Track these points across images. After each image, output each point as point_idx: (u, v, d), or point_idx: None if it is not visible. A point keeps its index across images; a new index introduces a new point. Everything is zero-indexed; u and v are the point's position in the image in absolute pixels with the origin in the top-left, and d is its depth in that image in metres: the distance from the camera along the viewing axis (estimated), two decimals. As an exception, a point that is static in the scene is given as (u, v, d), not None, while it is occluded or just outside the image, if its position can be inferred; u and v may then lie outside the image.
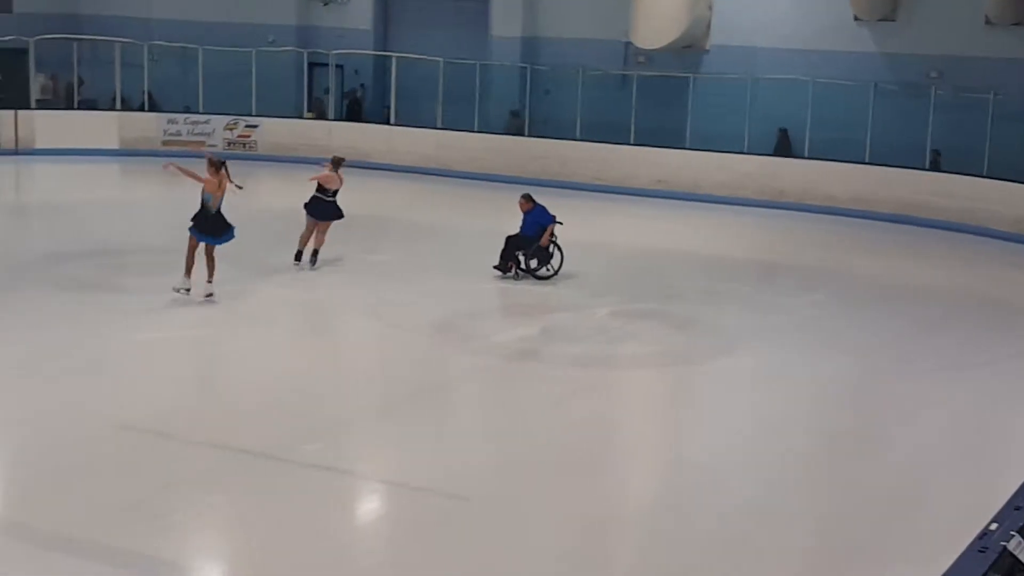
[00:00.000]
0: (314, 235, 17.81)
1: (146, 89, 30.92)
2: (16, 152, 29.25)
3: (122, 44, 30.30)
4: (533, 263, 17.76)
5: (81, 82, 31.20)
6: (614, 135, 28.08)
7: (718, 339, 15.64)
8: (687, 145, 27.57)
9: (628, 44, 28.99)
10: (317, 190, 17.82)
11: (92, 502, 9.47)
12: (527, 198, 17.94)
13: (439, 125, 29.78)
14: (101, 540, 8.79)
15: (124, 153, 29.88)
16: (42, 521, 9.08)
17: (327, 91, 31.63)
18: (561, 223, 17.85)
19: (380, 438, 11.69)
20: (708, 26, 28.56)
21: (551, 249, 17.82)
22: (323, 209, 17.76)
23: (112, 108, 30.82)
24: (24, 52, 30.12)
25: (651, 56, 28.88)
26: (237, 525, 9.47)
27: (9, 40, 29.73)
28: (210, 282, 15.32)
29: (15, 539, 8.91)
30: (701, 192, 27.08)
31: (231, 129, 30.58)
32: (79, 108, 30.96)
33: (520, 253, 17.72)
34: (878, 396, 13.53)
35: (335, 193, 17.82)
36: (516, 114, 30.09)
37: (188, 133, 30.52)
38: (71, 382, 12.53)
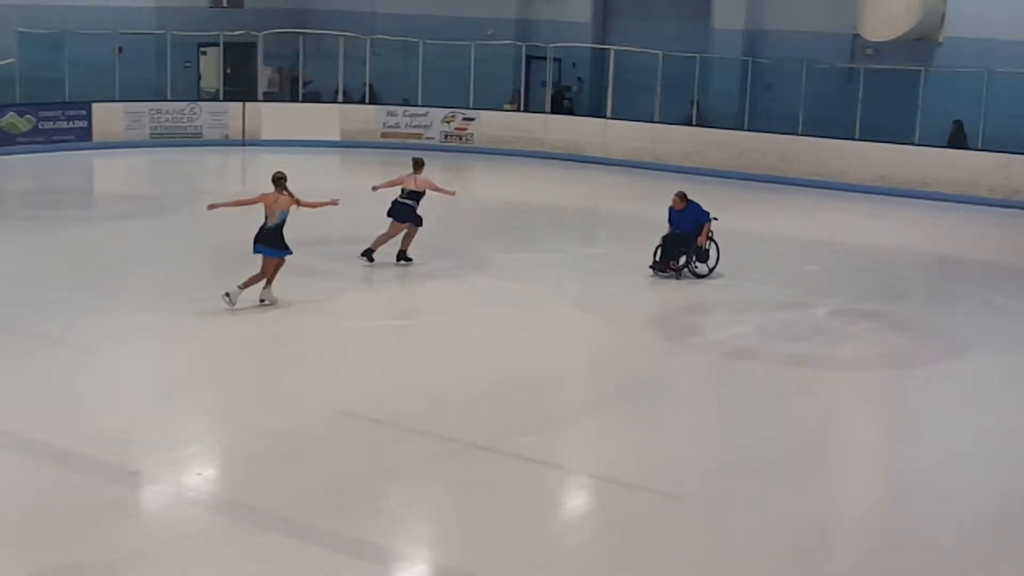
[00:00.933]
0: (401, 238, 17.34)
1: (367, 82, 31.67)
2: (243, 143, 30.35)
3: (346, 38, 31.10)
4: (695, 262, 17.36)
5: (307, 82, 32.16)
6: (837, 130, 27.40)
7: (943, 342, 15.09)
8: (916, 140, 26.69)
9: (855, 36, 28.24)
10: (400, 194, 17.43)
11: (309, 486, 9.72)
12: (681, 196, 17.38)
13: (656, 119, 29.59)
14: (316, 523, 9.00)
15: (345, 145, 30.67)
16: (261, 502, 9.36)
17: (543, 84, 31.79)
18: (716, 219, 17.42)
19: (592, 433, 11.65)
20: (942, 18, 27.56)
21: (708, 246, 17.42)
22: (400, 211, 17.27)
23: (334, 101, 31.68)
24: (253, 46, 31.26)
25: (879, 49, 28.05)
26: (448, 514, 9.58)
27: (239, 34, 30.90)
28: (268, 288, 14.91)
29: (235, 519, 9.20)
30: (927, 189, 26.17)
31: (448, 122, 31.03)
32: (303, 101, 31.93)
33: (682, 252, 17.27)
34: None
35: (415, 196, 17.35)
36: (694, 104, 29.80)
37: (407, 126, 31.11)
38: (291, 367, 12.91)
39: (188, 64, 31.84)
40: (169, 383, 12.39)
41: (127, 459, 10.06)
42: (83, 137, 28.71)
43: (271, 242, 14.78)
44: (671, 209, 17.38)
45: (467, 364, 13.34)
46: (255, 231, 14.87)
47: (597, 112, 31.01)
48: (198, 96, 31.47)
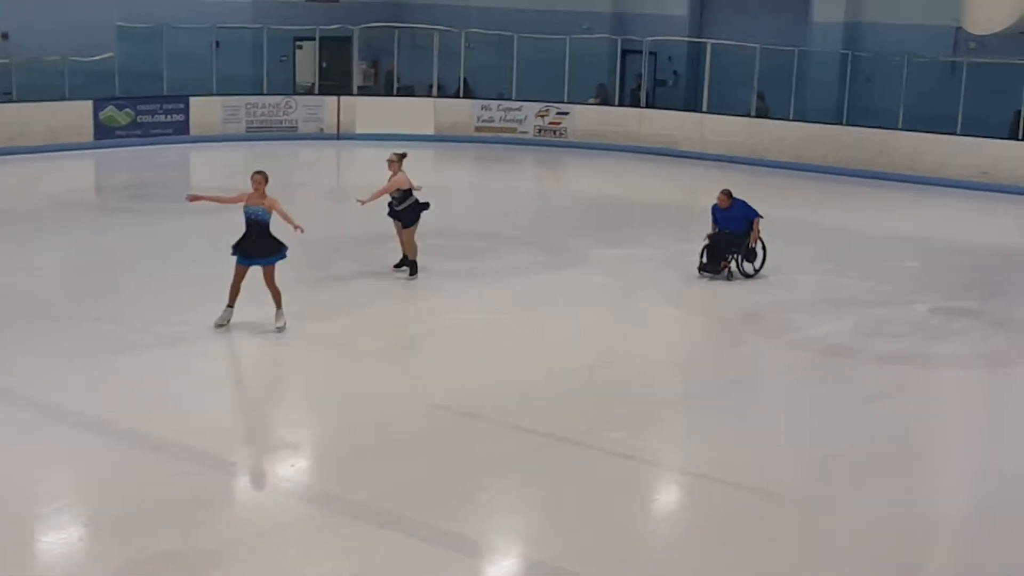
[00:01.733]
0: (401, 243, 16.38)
1: (462, 76, 31.81)
2: (338, 137, 30.68)
3: (440, 32, 31.27)
4: (745, 263, 16.90)
5: (399, 78, 32.41)
6: (938, 125, 26.97)
7: (1047, 342, 14.84)
8: (1019, 136, 26.18)
9: (958, 30, 27.78)
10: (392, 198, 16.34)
11: (403, 478, 9.83)
12: (727, 194, 16.86)
13: (753, 113, 29.37)
14: (409, 515, 9.10)
15: (439, 139, 30.86)
16: (354, 494, 9.48)
17: (639, 78, 31.69)
18: (762, 217, 16.97)
19: (685, 429, 11.64)
20: (1048, 11, 27.02)
21: (755, 245, 16.93)
22: (394, 214, 16.42)
23: (429, 95, 31.87)
24: (348, 40, 31.56)
25: (983, 42, 27.56)
26: (539, 508, 9.63)
27: (335, 28, 31.22)
28: (279, 310, 13.63)
29: (328, 511, 9.33)
30: (1034, 186, 25.71)
31: (542, 116, 31.07)
32: (398, 95, 32.18)
33: (731, 252, 16.79)
34: None
35: (402, 195, 16.29)
36: (761, 97, 29.46)
37: (500, 120, 31.20)
38: (384, 361, 13.05)
39: (284, 58, 32.23)
40: (264, 376, 12.60)
41: (223, 450, 10.26)
42: (181, 130, 29.22)
43: (249, 249, 13.53)
44: (716, 208, 16.94)
45: (560, 359, 13.38)
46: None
47: (693, 106, 30.86)
48: (293, 90, 31.85)
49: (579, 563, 8.45)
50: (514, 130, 31.05)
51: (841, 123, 28.44)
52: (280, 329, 13.36)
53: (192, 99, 29.35)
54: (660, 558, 8.81)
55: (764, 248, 17.04)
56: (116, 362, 12.50)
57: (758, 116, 29.36)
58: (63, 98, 27.46)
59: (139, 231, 19.65)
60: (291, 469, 10.11)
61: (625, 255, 18.66)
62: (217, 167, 28.12)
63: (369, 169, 28.84)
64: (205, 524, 8.87)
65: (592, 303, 15.92)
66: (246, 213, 13.49)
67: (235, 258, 13.48)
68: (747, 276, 16.85)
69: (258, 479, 9.81)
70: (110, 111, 28.05)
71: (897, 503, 9.85)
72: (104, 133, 27.90)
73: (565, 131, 30.94)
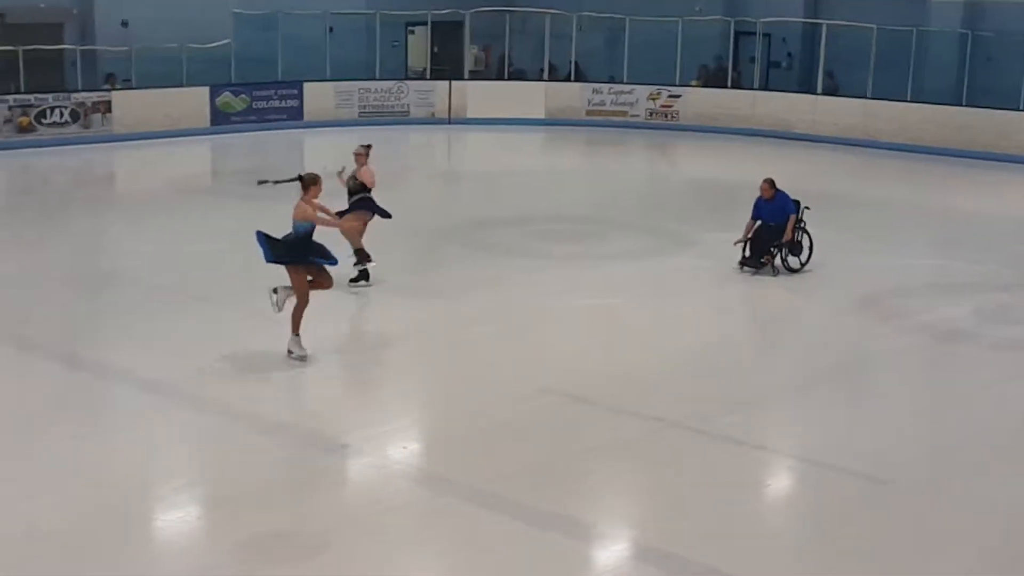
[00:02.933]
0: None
1: (573, 59, 31.74)
2: (449, 121, 30.81)
3: (552, 15, 31.22)
4: (790, 256, 16.00)
5: (510, 62, 32.44)
6: (1062, 104, 26.29)
7: None
8: None
9: (1083, 6, 27.05)
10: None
11: (513, 462, 9.85)
12: (770, 183, 15.90)
13: (868, 94, 28.86)
14: (519, 498, 9.12)
15: (549, 123, 30.83)
16: (466, 477, 9.53)
17: (752, 60, 31.34)
18: (808, 208, 16.18)
19: (797, 415, 11.49)
20: None
21: (800, 237, 16.02)
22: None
23: (540, 79, 31.86)
24: (460, 25, 31.67)
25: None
26: (648, 493, 9.59)
27: (446, 13, 31.33)
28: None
29: (439, 493, 9.38)
30: None
31: (654, 99, 30.88)
32: (509, 79, 32.20)
33: (775, 246, 15.82)
34: None
35: (358, 187, 15.35)
36: (830, 75, 28.85)
37: (611, 103, 31.08)
38: (494, 345, 13.07)
39: (396, 43, 32.46)
40: (373, 360, 12.70)
41: (336, 432, 10.37)
42: (295, 116, 29.61)
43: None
44: (759, 199, 16.03)
45: (671, 343, 13.30)
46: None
47: (807, 88, 30.42)
48: (405, 75, 32.07)
49: (689, 549, 8.40)
50: (625, 113, 30.91)
51: (960, 104, 27.82)
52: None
53: (306, 85, 29.72)
54: (771, 545, 8.71)
55: (811, 241, 16.15)
56: (232, 345, 12.69)
57: (825, 94, 28.91)
58: (181, 85, 27.98)
59: (254, 215, 19.89)
60: (403, 452, 10.19)
61: (735, 239, 18.45)
62: (330, 152, 28.41)
63: (479, 153, 29.07)
64: (318, 505, 8.98)
65: (703, 287, 15.78)
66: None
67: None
68: (792, 271, 15.98)
69: (370, 461, 9.90)
70: (226, 97, 28.52)
71: (1013, 492, 9.63)
72: (220, 119, 28.38)
73: (677, 114, 30.71)
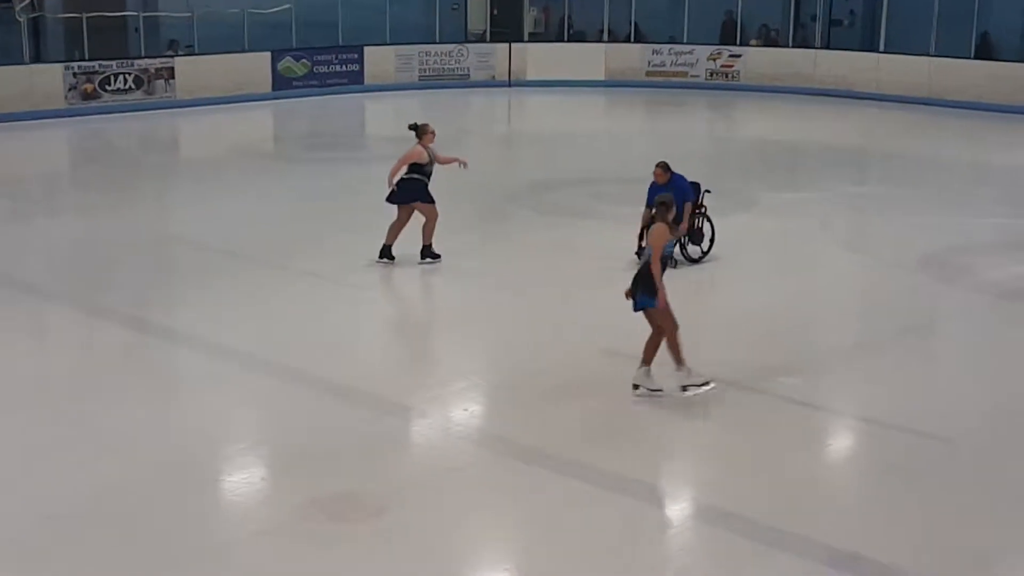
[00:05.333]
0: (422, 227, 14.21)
1: (632, 20, 31.49)
2: (509, 84, 30.72)
3: (610, -24, 31.00)
4: (690, 245, 14.36)
5: (570, 24, 32.24)
6: None
7: None
8: None
9: None
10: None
11: (574, 423, 9.83)
12: (664, 167, 13.89)
13: (932, 52, 28.40)
14: (580, 459, 9.11)
15: (609, 84, 30.65)
16: (526, 438, 9.52)
17: (814, 18, 30.94)
18: (709, 191, 14.64)
19: (860, 375, 11.37)
20: None
21: (700, 224, 14.40)
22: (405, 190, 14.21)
23: (599, 40, 31.64)
24: (519, -14, 31.52)
25: None
26: (710, 453, 9.53)
27: (505, -25, 31.20)
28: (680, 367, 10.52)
29: (500, 454, 9.39)
30: None
31: (714, 59, 30.60)
32: (568, 41, 32.02)
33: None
34: None
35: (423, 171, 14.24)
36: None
37: (671, 64, 30.84)
38: (554, 305, 13.01)
39: (455, 7, 32.36)
40: (435, 322, 12.73)
41: (397, 394, 10.41)
42: (355, 80, 29.64)
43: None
44: (652, 185, 13.97)
45: (731, 304, 13.21)
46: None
47: (870, 46, 30.00)
48: (465, 38, 31.98)
49: (750, 509, 8.36)
50: (685, 74, 30.67)
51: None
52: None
53: (366, 48, 29.73)
54: (834, 505, 8.65)
55: (712, 227, 14.54)
56: (295, 308, 12.77)
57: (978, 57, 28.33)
58: (242, 50, 28.09)
59: (316, 179, 20.03)
60: (464, 413, 10.21)
61: (798, 199, 18.31)
62: (391, 116, 28.45)
63: (539, 115, 28.97)
64: (380, 466, 9.03)
65: (764, 247, 15.66)
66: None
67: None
68: (693, 261, 14.37)
69: (432, 423, 9.93)
70: (287, 62, 28.60)
71: (1083, 453, 9.51)
72: (282, 84, 28.48)
73: (737, 74, 30.43)
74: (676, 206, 12.13)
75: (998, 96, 26.93)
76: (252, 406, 10.32)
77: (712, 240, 14.47)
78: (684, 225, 13.78)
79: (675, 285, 13.86)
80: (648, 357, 10.35)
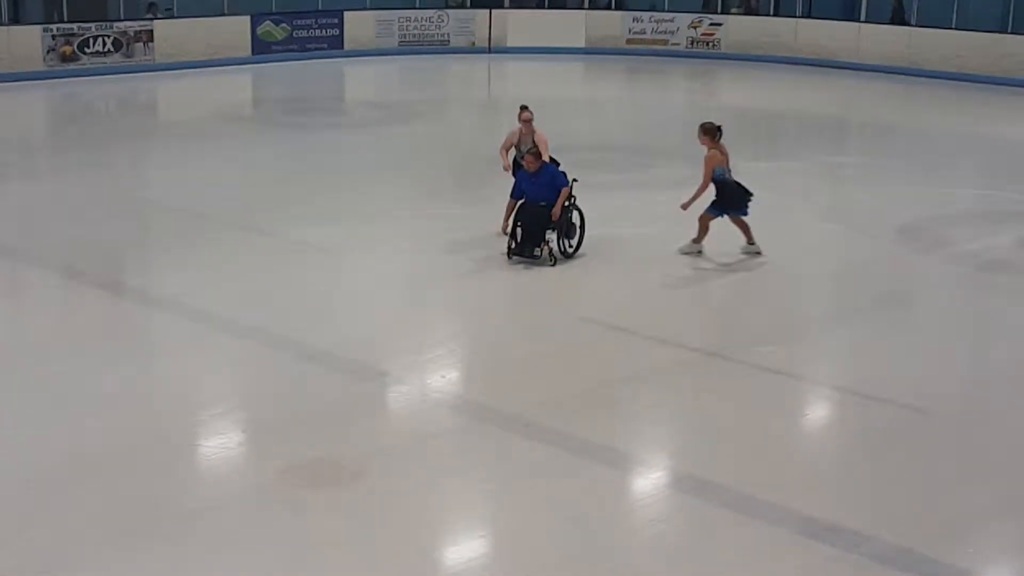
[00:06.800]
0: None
1: (613, -13, 31.40)
2: (489, 50, 30.59)
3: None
4: (564, 239, 13.21)
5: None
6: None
7: None
8: None
9: None
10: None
11: (551, 390, 9.83)
12: (535, 155, 13.12)
13: (912, 22, 28.39)
14: (557, 426, 9.11)
15: (589, 51, 30.55)
16: (502, 405, 9.52)
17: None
18: (576, 180, 13.44)
19: (837, 344, 11.40)
20: None
21: (571, 215, 13.29)
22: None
23: (580, 7, 31.52)
24: (499, -48, 31.32)
25: None
26: (687, 421, 9.55)
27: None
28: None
29: (477, 421, 9.40)
30: None
31: (695, 27, 30.53)
32: (548, 7, 31.89)
33: (548, 228, 13.00)
34: None
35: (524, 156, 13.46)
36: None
37: (652, 32, 30.75)
38: (531, 274, 12.97)
39: (436, -29, 32.22)
40: (413, 288, 12.68)
41: (375, 360, 10.39)
42: (335, 45, 29.48)
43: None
44: (521, 173, 13.29)
45: (708, 272, 13.21)
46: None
47: (851, 16, 29.95)
48: (446, 4, 31.81)
49: (727, 476, 8.37)
50: (666, 42, 30.59)
51: (1006, 31, 27.31)
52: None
53: (346, 14, 29.57)
54: (809, 473, 8.67)
55: (582, 217, 13.39)
56: (273, 273, 12.73)
57: (894, 22, 28.43)
58: (222, 14, 27.89)
59: (295, 144, 19.93)
60: (441, 380, 10.19)
61: (776, 168, 18.31)
62: (370, 81, 28.32)
63: (519, 82, 28.85)
64: (357, 432, 9.01)
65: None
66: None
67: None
68: (567, 256, 13.23)
69: (409, 389, 9.92)
70: (267, 26, 28.42)
71: (1057, 422, 9.55)
72: (261, 48, 28.31)
73: (718, 43, 30.37)
74: (553, 191, 12.74)
75: (978, 66, 26.96)
76: (230, 371, 10.28)
77: (583, 232, 13.38)
78: (557, 210, 12.89)
79: (654, 253, 13.93)
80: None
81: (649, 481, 8.59)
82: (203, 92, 25.15)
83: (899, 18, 28.86)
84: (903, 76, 27.51)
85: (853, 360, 10.88)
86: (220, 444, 8.94)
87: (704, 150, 13.30)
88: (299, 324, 11.22)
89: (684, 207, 13.21)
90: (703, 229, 13.31)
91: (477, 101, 26.94)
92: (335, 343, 10.75)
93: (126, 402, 9.48)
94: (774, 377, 10.32)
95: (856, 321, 11.93)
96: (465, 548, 7.63)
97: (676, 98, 27.16)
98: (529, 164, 13.06)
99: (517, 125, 14.06)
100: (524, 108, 13.98)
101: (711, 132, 13.28)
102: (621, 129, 18.77)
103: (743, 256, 13.38)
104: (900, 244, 14.38)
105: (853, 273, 13.57)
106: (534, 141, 13.65)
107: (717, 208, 13.28)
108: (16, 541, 7.40)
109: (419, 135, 20.76)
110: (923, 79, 27.14)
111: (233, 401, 9.72)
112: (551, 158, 13.72)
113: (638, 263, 13.51)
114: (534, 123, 14.04)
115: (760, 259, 13.45)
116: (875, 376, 10.31)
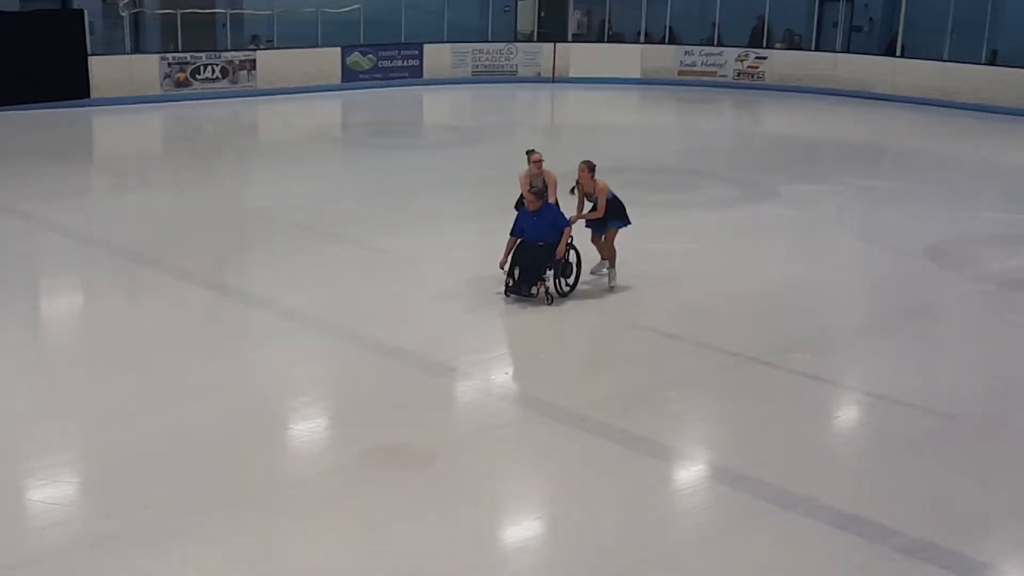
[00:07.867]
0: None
1: (668, 24, 31.31)
2: (553, 80, 30.65)
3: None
4: (560, 279, 12.28)
5: (610, 26, 32.06)
6: None
7: None
8: None
9: None
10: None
11: (603, 388, 9.87)
12: (537, 194, 12.19)
13: (945, 57, 28.06)
14: (607, 421, 9.13)
15: (644, 82, 30.50)
16: (559, 401, 9.55)
17: (835, 25, 30.63)
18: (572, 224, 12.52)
19: (867, 353, 11.31)
20: None
21: (568, 255, 12.29)
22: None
23: (637, 41, 31.49)
24: (564, -9, 31.38)
25: None
26: (726, 421, 9.52)
27: (553, -20, 31.08)
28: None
29: (536, 415, 9.43)
30: None
31: (741, 60, 30.37)
32: (608, 41, 31.89)
33: (546, 267, 12.05)
34: None
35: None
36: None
37: (702, 64, 30.64)
38: (590, 283, 12.98)
39: (507, 9, 32.31)
40: (479, 293, 12.74)
41: (445, 357, 10.48)
42: (415, 74, 29.67)
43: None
44: (522, 211, 12.32)
45: (749, 285, 13.16)
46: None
47: (887, 51, 29.66)
48: (515, 37, 31.91)
49: (762, 471, 8.36)
50: (714, 74, 30.47)
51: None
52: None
53: (426, 46, 29.75)
54: (838, 471, 8.64)
55: (579, 256, 12.44)
56: (357, 278, 12.87)
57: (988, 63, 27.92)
58: (316, 46, 28.20)
59: (379, 163, 20.11)
60: (505, 376, 10.27)
61: (814, 191, 18.18)
62: (446, 107, 28.48)
63: (579, 109, 28.88)
64: (429, 422, 9.10)
65: (782, 234, 15.59)
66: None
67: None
68: (563, 295, 12.28)
69: (476, 384, 9.99)
70: (355, 57, 28.67)
71: (1069, 428, 9.43)
72: (350, 76, 28.56)
73: (763, 75, 30.19)
74: (554, 232, 12.03)
75: (1005, 99, 26.60)
76: (316, 364, 10.41)
77: (579, 271, 12.48)
78: (562, 249, 12.05)
79: (701, 267, 13.89)
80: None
81: (691, 473, 8.60)
82: (298, 115, 25.42)
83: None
84: (935, 108, 27.20)
85: (882, 368, 10.79)
86: (308, 428, 9.08)
87: (592, 181, 12.66)
88: (378, 323, 11.34)
89: (575, 220, 12.52)
90: (611, 247, 12.64)
91: (541, 126, 26.98)
92: (410, 341, 10.86)
93: (226, 388, 9.66)
94: (808, 382, 10.28)
95: (885, 332, 11.85)
96: (523, 528, 7.70)
97: (723, 125, 27.04)
98: (530, 203, 12.12)
99: (526, 167, 13.37)
100: (532, 151, 13.10)
101: (593, 168, 12.76)
102: (672, 153, 18.73)
103: (611, 278, 12.66)
104: (928, 262, 14.25)
105: (883, 288, 13.47)
106: (544, 181, 12.96)
107: (615, 221, 12.64)
108: (132, 508, 7.58)
109: (488, 156, 20.84)
110: (954, 111, 26.81)
111: (320, 390, 9.85)
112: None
113: (684, 274, 13.50)
114: (544, 164, 12.90)
115: (797, 274, 13.38)
116: (902, 383, 10.23)
